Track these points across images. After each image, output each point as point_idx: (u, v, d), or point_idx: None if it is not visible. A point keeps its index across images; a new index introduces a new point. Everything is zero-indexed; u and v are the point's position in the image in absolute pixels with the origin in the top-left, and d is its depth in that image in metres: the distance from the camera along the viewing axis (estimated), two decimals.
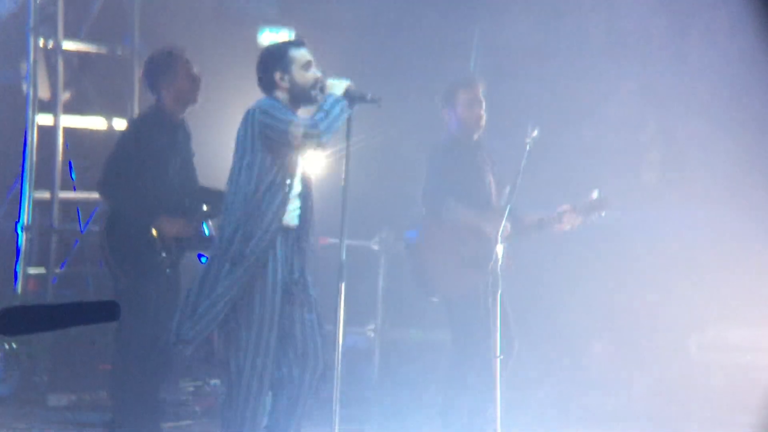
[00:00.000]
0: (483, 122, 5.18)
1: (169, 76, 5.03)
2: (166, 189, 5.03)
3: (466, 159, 5.14)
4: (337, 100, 4.22)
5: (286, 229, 4.27)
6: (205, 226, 5.05)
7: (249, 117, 4.26)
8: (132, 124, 5.16)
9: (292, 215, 4.29)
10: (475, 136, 5.20)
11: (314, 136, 4.18)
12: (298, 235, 4.31)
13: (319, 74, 4.28)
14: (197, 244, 5.01)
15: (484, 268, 4.92)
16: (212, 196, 4.98)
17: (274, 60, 4.28)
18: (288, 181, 4.24)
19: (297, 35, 6.22)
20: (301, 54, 4.28)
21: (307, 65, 4.27)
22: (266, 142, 4.21)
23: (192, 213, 5.04)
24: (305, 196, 4.34)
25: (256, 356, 4.20)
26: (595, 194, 4.98)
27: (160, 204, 4.98)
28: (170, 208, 5.00)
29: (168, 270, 5.05)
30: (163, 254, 5.02)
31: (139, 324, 5.01)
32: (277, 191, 4.23)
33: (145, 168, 5.01)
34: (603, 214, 4.98)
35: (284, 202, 4.24)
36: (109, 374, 5.36)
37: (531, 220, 5.05)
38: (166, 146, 5.05)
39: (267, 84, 4.30)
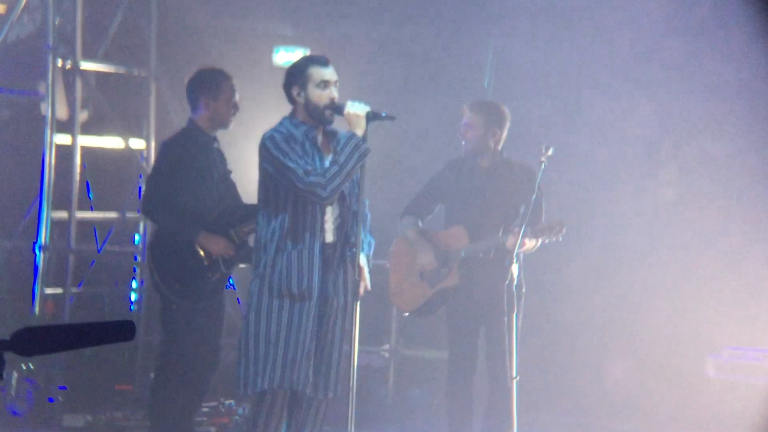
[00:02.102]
0: (475, 146, 5.09)
1: (213, 92, 5.09)
2: (207, 206, 5.06)
3: (457, 180, 5.12)
4: (356, 147, 4.11)
5: (323, 245, 4.21)
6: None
7: (261, 141, 4.23)
8: (169, 143, 5.19)
9: (327, 231, 4.22)
10: (480, 160, 5.12)
11: (317, 196, 4.11)
12: (335, 250, 4.23)
13: (335, 95, 4.25)
14: (244, 257, 4.99)
15: (433, 285, 5.01)
16: (254, 211, 4.97)
17: (294, 74, 4.26)
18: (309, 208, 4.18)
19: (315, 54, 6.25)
20: (320, 72, 4.23)
21: (323, 84, 4.22)
22: (270, 176, 4.18)
23: (235, 228, 5.05)
24: (342, 206, 4.25)
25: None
26: (545, 221, 4.93)
27: (203, 222, 5.01)
28: (212, 225, 5.01)
29: (215, 289, 5.06)
30: (209, 274, 5.03)
31: (185, 343, 5.03)
32: (304, 213, 4.18)
33: (184, 186, 5.03)
34: (555, 239, 4.86)
35: (315, 221, 4.17)
36: (150, 392, 5.38)
37: (485, 242, 5.04)
38: (203, 164, 5.09)
39: (289, 98, 4.30)
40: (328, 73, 4.25)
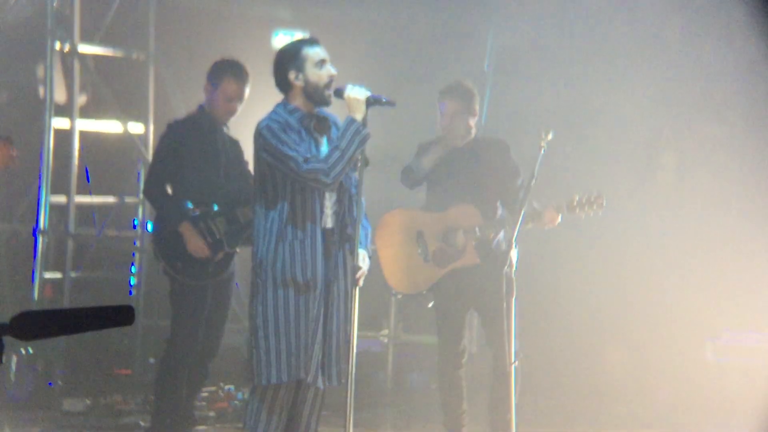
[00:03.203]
0: (456, 133, 5.12)
1: (214, 81, 5.14)
2: (210, 189, 5.07)
3: (444, 163, 5.12)
4: (357, 132, 4.08)
5: (324, 231, 4.17)
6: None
7: (256, 130, 4.20)
8: (172, 125, 5.22)
9: (327, 217, 4.19)
10: (458, 140, 5.15)
11: (320, 183, 4.09)
12: (334, 236, 4.19)
13: (334, 71, 4.21)
14: (249, 238, 4.96)
15: (443, 266, 4.98)
16: None
17: (287, 59, 4.21)
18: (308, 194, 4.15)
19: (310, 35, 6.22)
20: (315, 52, 4.20)
21: (320, 63, 4.19)
22: (267, 166, 4.14)
23: (241, 208, 5.04)
24: (340, 191, 4.22)
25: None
26: (577, 196, 4.97)
27: (200, 207, 5.03)
28: (219, 204, 5.03)
29: (218, 268, 5.06)
30: (212, 253, 5.04)
31: (191, 324, 5.04)
32: (303, 201, 4.17)
33: (182, 169, 5.05)
34: (594, 212, 4.95)
35: (314, 208, 4.14)
36: (154, 374, 5.41)
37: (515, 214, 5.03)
38: (206, 147, 5.09)
39: (282, 85, 4.24)
40: (322, 51, 4.23)
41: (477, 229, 5.01)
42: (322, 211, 4.17)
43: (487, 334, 5.12)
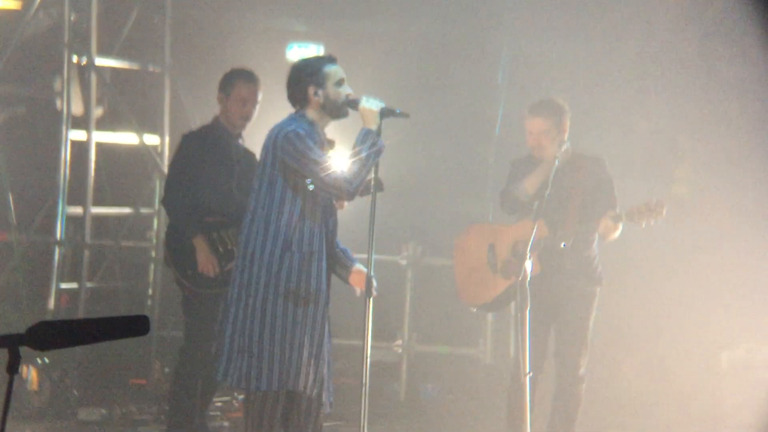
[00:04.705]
0: (536, 152, 5.06)
1: (226, 90, 5.19)
2: (222, 200, 5.10)
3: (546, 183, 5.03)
4: (374, 144, 4.15)
5: (328, 246, 4.25)
6: None
7: (272, 138, 4.23)
8: (187, 136, 5.26)
9: (330, 233, 4.28)
10: (558, 161, 4.98)
11: (343, 191, 4.15)
12: (331, 252, 4.27)
13: (350, 91, 4.31)
14: None
15: (507, 277, 4.95)
16: None
17: (308, 75, 4.28)
18: (309, 208, 4.20)
19: (327, 51, 6.26)
20: (335, 70, 4.30)
21: (340, 82, 4.29)
22: (286, 171, 4.18)
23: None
24: (333, 209, 4.31)
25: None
26: (637, 205, 4.91)
27: (214, 217, 5.05)
28: (234, 222, 5.03)
29: (228, 278, 5.08)
30: (223, 262, 5.07)
31: (203, 333, 5.07)
32: (313, 212, 4.21)
33: (195, 179, 5.09)
34: (656, 220, 4.86)
35: (322, 222, 4.21)
36: (170, 384, 5.42)
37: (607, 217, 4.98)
38: (220, 158, 5.13)
39: (299, 98, 4.29)
40: (341, 71, 4.33)
41: (542, 241, 4.91)
42: (326, 226, 4.22)
43: (557, 345, 5.04)
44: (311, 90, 4.26)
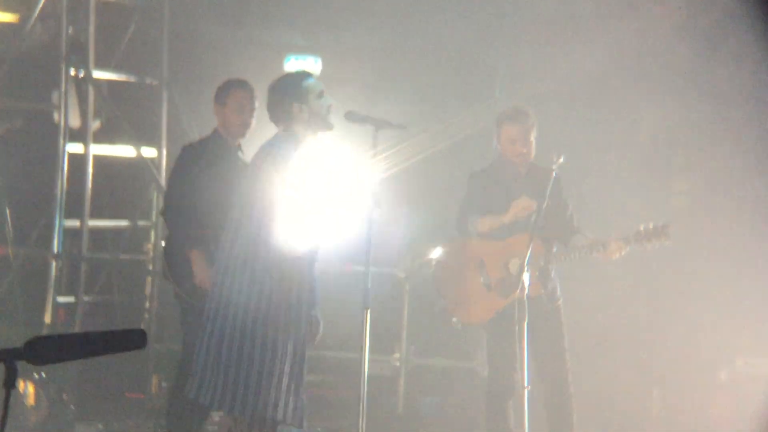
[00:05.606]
0: (522, 158, 5.06)
1: (222, 99, 5.19)
2: (221, 211, 5.09)
3: (497, 188, 5.08)
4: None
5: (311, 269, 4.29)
6: None
7: (260, 156, 4.26)
8: (186, 148, 5.26)
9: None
10: (520, 169, 5.07)
11: (285, 250, 4.17)
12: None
13: (332, 101, 4.36)
14: None
15: (506, 296, 4.91)
16: None
17: (290, 93, 4.33)
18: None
19: (324, 64, 6.27)
20: (314, 83, 4.36)
21: (320, 93, 4.35)
22: (269, 189, 4.19)
23: None
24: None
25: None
26: (642, 227, 4.88)
27: (212, 230, 5.05)
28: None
29: None
30: None
31: None
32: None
33: (195, 191, 5.08)
34: (656, 244, 4.82)
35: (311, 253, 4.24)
36: (168, 399, 5.40)
37: (581, 244, 4.98)
38: (219, 170, 5.13)
39: (282, 117, 4.33)
40: (320, 83, 4.40)
41: (541, 258, 4.90)
42: (309, 253, 4.24)
43: (539, 366, 5.00)
44: (295, 107, 4.30)
